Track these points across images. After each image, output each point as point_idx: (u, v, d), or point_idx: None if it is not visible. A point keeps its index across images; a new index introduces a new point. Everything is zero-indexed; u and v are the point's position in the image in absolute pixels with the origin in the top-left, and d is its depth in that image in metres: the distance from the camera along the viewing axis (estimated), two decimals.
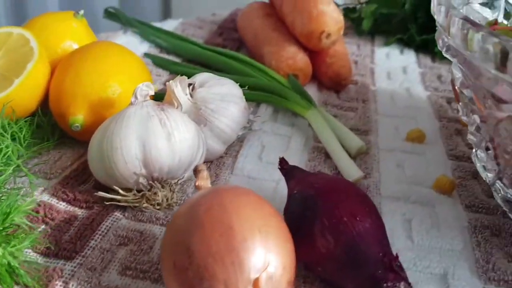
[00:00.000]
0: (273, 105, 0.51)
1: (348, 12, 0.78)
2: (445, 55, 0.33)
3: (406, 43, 0.69)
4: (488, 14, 0.42)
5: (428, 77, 0.60)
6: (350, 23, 0.77)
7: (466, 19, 0.28)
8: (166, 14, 1.60)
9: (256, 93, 0.51)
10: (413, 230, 0.36)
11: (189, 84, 0.42)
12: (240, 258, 0.24)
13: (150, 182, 0.35)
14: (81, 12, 0.49)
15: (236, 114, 0.41)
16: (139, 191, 0.36)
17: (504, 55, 0.25)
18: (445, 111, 0.52)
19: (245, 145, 0.45)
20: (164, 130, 0.34)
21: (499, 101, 0.27)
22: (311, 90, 0.56)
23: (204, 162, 0.42)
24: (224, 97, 0.41)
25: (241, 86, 0.52)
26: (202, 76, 0.43)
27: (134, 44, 0.67)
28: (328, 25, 0.53)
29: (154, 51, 0.65)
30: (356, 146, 0.44)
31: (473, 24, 0.27)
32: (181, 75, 0.57)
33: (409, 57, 0.66)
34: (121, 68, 0.43)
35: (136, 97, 0.37)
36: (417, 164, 0.43)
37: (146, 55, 0.63)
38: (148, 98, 0.37)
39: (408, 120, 0.51)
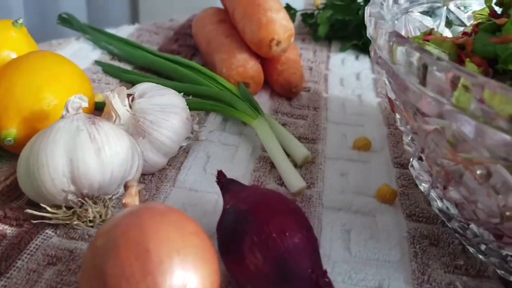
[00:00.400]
0: (222, 114, 0.51)
1: (306, 17, 0.78)
2: (376, 67, 0.32)
3: (361, 49, 0.69)
4: (429, 23, 0.42)
5: (380, 84, 0.60)
6: (308, 28, 0.78)
7: (391, 32, 0.28)
8: (134, 17, 1.58)
9: (205, 102, 0.50)
10: (352, 241, 0.35)
11: (129, 95, 0.41)
12: (156, 282, 0.23)
13: (80, 199, 0.34)
14: (20, 20, 0.47)
15: (177, 125, 0.40)
16: (70, 207, 0.35)
17: (425, 69, 0.25)
18: (393, 118, 0.53)
19: (190, 156, 0.44)
20: (94, 145, 0.33)
21: (423, 115, 0.27)
22: (263, 98, 0.56)
23: (145, 175, 0.41)
24: (164, 108, 0.40)
25: (191, 94, 0.52)
26: (143, 86, 0.42)
27: (86, 51, 0.65)
28: (277, 33, 0.53)
29: (106, 58, 0.63)
30: (301, 155, 0.43)
31: (398, 36, 0.27)
32: (132, 84, 0.56)
33: (364, 63, 0.66)
34: (58, 79, 0.41)
35: (67, 110, 0.36)
36: (361, 172, 0.43)
37: (97, 62, 0.62)
38: (80, 111, 0.36)
39: (357, 127, 0.51)
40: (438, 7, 0.43)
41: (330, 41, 0.74)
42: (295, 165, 0.44)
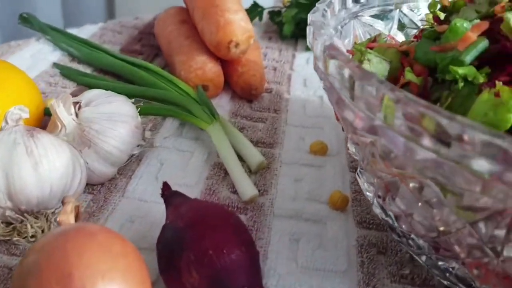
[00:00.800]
0: (178, 119, 0.50)
1: (273, 15, 0.77)
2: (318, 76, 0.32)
3: None
4: (380, 26, 0.42)
5: None
6: (276, 27, 0.77)
7: (325, 44, 0.27)
8: (111, 13, 1.55)
9: (160, 107, 0.49)
10: (299, 251, 0.35)
11: (76, 103, 0.40)
12: None
13: (18, 215, 0.33)
14: None
15: (125, 134, 0.39)
16: (10, 223, 0.34)
17: (352, 83, 0.25)
18: None
19: (143, 163, 0.43)
20: (31, 159, 0.32)
21: (355, 129, 0.27)
22: (224, 100, 0.55)
23: (94, 185, 0.40)
24: (111, 117, 0.39)
25: (148, 98, 0.51)
26: (90, 94, 0.41)
27: (46, 53, 0.64)
28: (235, 34, 0.52)
29: (66, 60, 0.62)
30: (256, 161, 0.43)
31: (331, 49, 0.27)
32: (89, 87, 0.55)
33: None
34: (2, 87, 0.40)
35: (6, 122, 0.34)
36: (316, 178, 0.43)
37: (55, 65, 0.60)
38: (20, 122, 0.35)
39: (316, 130, 0.50)
40: (390, 10, 0.42)
41: (297, 39, 0.73)
42: (250, 172, 0.43)
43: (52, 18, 1.32)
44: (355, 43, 0.38)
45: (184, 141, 0.47)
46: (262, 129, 0.50)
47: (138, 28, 0.74)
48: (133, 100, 0.43)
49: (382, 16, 0.42)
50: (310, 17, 0.32)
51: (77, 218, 0.31)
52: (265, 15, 0.80)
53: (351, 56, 0.31)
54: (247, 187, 0.40)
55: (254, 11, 0.78)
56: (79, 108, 0.40)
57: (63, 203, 0.30)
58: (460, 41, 0.28)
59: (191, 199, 0.33)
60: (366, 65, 0.32)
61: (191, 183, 0.41)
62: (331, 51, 0.26)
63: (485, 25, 0.28)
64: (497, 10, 0.30)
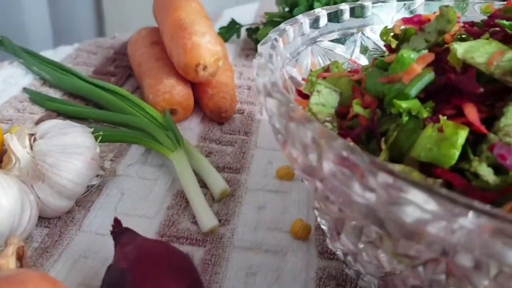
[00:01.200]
0: (142, 146, 0.49)
1: (251, 32, 0.76)
2: None
3: None
4: (341, 51, 0.41)
5: None
6: (254, 44, 0.76)
7: (264, 82, 0.26)
8: (101, 28, 1.55)
9: (124, 133, 0.49)
10: (256, 287, 0.34)
11: (32, 134, 0.39)
12: None
13: None
14: None
15: (80, 166, 0.38)
16: None
17: (288, 122, 0.24)
18: None
19: (103, 194, 0.42)
20: None
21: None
22: (194, 123, 0.54)
23: (51, 218, 0.39)
24: (65, 149, 0.38)
25: (115, 124, 0.50)
26: (46, 125, 0.40)
27: (17, 77, 0.63)
28: (203, 57, 0.51)
29: (37, 85, 0.61)
30: (219, 189, 0.42)
31: (268, 86, 0.26)
32: (57, 113, 0.54)
33: None
34: None
35: None
36: (280, 205, 0.42)
37: (25, 89, 0.59)
38: None
39: None
40: (352, 34, 0.41)
41: None
42: (213, 200, 0.42)
43: (42, 36, 1.32)
44: (311, 70, 0.37)
45: (149, 168, 0.46)
46: (231, 153, 0.49)
47: (114, 48, 0.74)
48: (92, 129, 0.42)
49: (343, 40, 0.41)
50: (259, 48, 0.31)
51: (21, 259, 0.31)
52: (244, 32, 0.79)
53: (293, 94, 0.31)
54: (207, 218, 0.39)
55: (232, 28, 0.78)
56: (34, 140, 0.39)
57: (6, 244, 0.30)
58: (405, 74, 0.27)
59: (138, 237, 0.32)
60: (315, 97, 0.31)
61: (151, 214, 0.41)
62: (269, 89, 0.25)
63: (431, 57, 0.27)
64: (447, 39, 0.30)
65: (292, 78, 0.35)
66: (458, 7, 0.43)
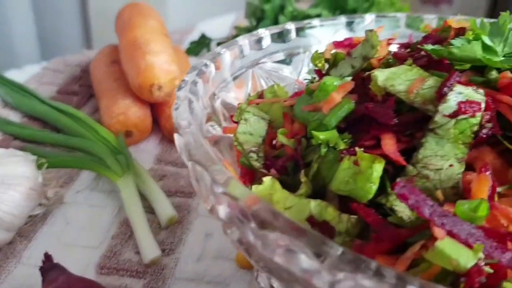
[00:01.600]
0: (92, 171, 0.48)
1: None
2: None
3: None
4: (287, 71, 0.40)
5: None
6: None
7: (178, 124, 0.25)
8: (88, 41, 1.54)
9: (73, 159, 0.47)
10: None
11: None
12: None
13: None
14: None
15: (18, 197, 0.37)
16: None
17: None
18: None
19: (47, 223, 0.41)
20: None
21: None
22: (151, 145, 0.53)
23: None
24: (3, 180, 0.37)
25: (68, 147, 0.49)
26: None
27: None
28: (157, 77, 0.50)
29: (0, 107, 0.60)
30: (166, 217, 0.41)
31: (178, 130, 0.25)
32: (14, 137, 0.53)
33: None
34: None
35: None
36: None
37: None
38: None
39: None
40: (298, 54, 0.40)
41: None
42: (160, 227, 0.41)
43: (29, 50, 1.31)
44: (249, 95, 0.36)
45: (98, 194, 0.45)
46: (186, 176, 0.48)
47: (81, 66, 0.73)
48: (35, 157, 0.41)
49: (288, 60, 0.40)
50: (176, 94, 0.29)
51: None
52: (214, 46, 0.78)
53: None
54: (149, 249, 0.38)
55: (202, 43, 0.77)
56: None
57: None
58: (325, 103, 0.26)
59: (65, 274, 0.31)
60: (243, 126, 0.30)
61: (95, 244, 0.39)
62: (180, 135, 0.24)
63: (350, 85, 0.26)
64: (374, 64, 0.29)
65: (227, 104, 0.34)
66: (411, 24, 0.42)
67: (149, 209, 0.42)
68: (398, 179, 0.22)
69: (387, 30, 0.41)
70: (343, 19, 0.42)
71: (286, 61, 0.40)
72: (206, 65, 0.32)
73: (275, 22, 0.66)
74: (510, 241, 0.21)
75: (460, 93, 0.23)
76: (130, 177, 0.44)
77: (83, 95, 0.64)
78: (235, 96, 0.36)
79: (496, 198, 0.22)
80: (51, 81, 0.68)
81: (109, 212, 0.43)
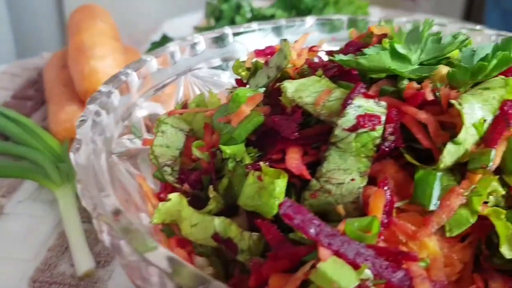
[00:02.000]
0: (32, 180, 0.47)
1: None
2: None
3: None
4: (226, 77, 0.39)
5: None
6: None
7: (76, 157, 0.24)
8: (65, 41, 1.52)
9: (15, 167, 0.46)
10: None
11: None
12: None
13: None
14: None
15: None
16: None
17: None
18: None
19: None
20: None
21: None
22: None
23: None
24: None
25: (12, 155, 0.48)
26: None
27: None
28: (101, 82, 0.49)
29: None
30: None
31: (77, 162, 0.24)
32: None
33: None
34: None
35: None
36: None
37: None
38: None
39: None
40: (235, 59, 0.39)
41: None
42: (98, 239, 0.40)
43: (4, 50, 1.29)
44: (177, 103, 0.35)
45: (39, 205, 0.44)
46: None
47: (39, 69, 0.71)
48: None
49: (225, 66, 0.39)
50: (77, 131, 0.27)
51: None
52: None
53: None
54: (82, 261, 0.37)
55: (163, 44, 0.76)
56: None
57: None
58: (234, 115, 0.26)
59: None
60: (159, 138, 0.29)
61: (30, 257, 0.38)
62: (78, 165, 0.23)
63: (259, 97, 0.26)
64: (290, 73, 0.28)
65: (154, 115, 0.33)
66: (355, 26, 0.41)
67: (89, 219, 0.41)
68: (285, 198, 0.22)
69: (328, 33, 0.41)
70: (282, 22, 0.41)
71: (222, 67, 0.39)
72: (126, 73, 0.31)
73: (233, 22, 0.65)
74: (404, 260, 0.20)
75: (359, 107, 0.22)
76: (69, 186, 0.43)
77: (37, 101, 0.62)
78: (165, 105, 0.35)
79: (394, 214, 0.22)
80: (6, 86, 0.67)
81: (49, 223, 0.42)
